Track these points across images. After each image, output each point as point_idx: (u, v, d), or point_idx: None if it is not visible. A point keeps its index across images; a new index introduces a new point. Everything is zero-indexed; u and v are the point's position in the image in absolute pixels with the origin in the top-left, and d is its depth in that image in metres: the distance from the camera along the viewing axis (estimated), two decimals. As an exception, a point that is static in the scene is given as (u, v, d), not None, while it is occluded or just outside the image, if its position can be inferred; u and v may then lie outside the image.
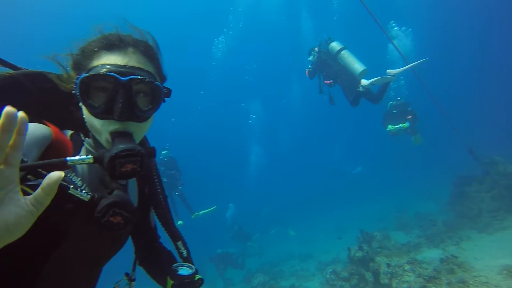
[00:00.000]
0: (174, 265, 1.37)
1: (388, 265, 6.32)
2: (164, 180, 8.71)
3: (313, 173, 25.57)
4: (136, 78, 0.93)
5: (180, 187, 9.10)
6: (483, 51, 27.54)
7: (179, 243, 1.39)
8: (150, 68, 1.02)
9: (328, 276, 7.37)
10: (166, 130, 21.69)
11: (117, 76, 0.91)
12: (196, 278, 1.34)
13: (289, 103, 27.18)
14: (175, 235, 1.39)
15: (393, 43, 5.58)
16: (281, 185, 26.82)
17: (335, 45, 5.66)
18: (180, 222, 9.17)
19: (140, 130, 1.01)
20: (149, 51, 1.04)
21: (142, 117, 0.98)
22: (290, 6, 22.33)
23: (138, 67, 0.97)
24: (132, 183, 1.29)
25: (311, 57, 6.14)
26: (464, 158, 10.46)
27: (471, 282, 5.66)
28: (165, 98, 1.08)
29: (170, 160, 9.19)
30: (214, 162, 30.94)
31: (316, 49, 6.02)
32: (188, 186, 10.21)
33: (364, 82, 5.45)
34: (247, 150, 25.63)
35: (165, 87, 1.07)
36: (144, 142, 1.29)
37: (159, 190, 1.35)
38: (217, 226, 14.96)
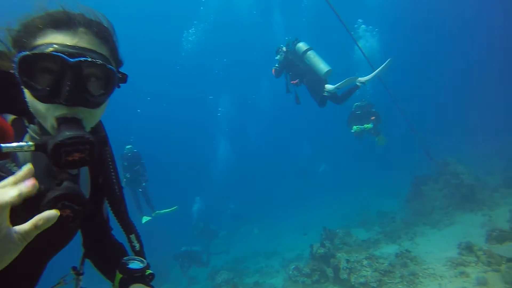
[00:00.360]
0: (125, 258, 1.31)
1: (348, 260, 6.59)
2: (127, 175, 8.46)
3: (281, 170, 25.85)
4: (86, 60, 0.86)
5: (143, 184, 8.84)
6: (447, 54, 29.20)
7: (132, 236, 1.33)
8: (103, 51, 0.95)
9: (290, 272, 7.53)
10: (132, 121, 20.93)
11: (65, 57, 0.83)
12: (147, 273, 1.29)
13: (258, 99, 27.20)
14: (129, 228, 1.32)
15: (357, 45, 5.78)
16: (249, 181, 26.90)
17: (301, 46, 5.80)
18: (148, 218, 8.94)
19: (91, 117, 0.94)
20: (102, 33, 0.96)
21: (93, 103, 0.91)
22: (262, 0, 22.35)
23: (90, 49, 0.90)
24: (84, 172, 1.21)
25: (279, 56, 6.24)
26: (423, 158, 11.12)
27: (421, 274, 6.06)
28: (121, 84, 1.03)
29: (134, 155, 8.90)
30: (181, 154, 30.37)
31: (284, 48, 6.11)
32: (154, 179, 9.93)
33: (329, 87, 5.62)
34: (215, 143, 25.43)
35: (120, 72, 1.01)
36: (98, 129, 1.20)
37: (114, 180, 1.28)
38: (182, 222, 14.74)
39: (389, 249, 8.09)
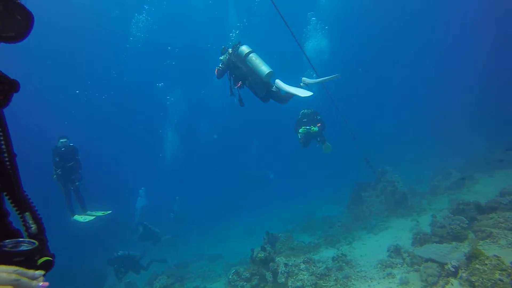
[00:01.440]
0: (7, 240, 0.98)
1: (286, 264, 6.62)
2: (58, 171, 7.70)
3: (229, 173, 25.41)
4: None
5: (77, 183, 8.08)
6: (390, 62, 30.80)
7: (27, 215, 1.06)
8: None
9: (230, 277, 7.38)
10: (68, 102, 19.18)
11: None
12: (41, 261, 1.01)
13: (210, 94, 26.05)
14: (22, 204, 1.06)
15: (302, 50, 5.88)
16: (196, 181, 26.13)
17: (244, 49, 5.84)
18: (89, 217, 8.09)
19: None
20: None
21: None
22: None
23: None
24: None
25: (223, 56, 6.20)
26: (364, 165, 11.68)
27: (354, 277, 6.30)
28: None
29: (68, 150, 8.06)
30: (126, 143, 28.72)
31: (230, 50, 6.08)
32: (96, 169, 9.14)
33: (279, 83, 5.66)
34: (162, 132, 24.23)
35: None
36: None
37: (2, 147, 1.04)
38: (125, 219, 13.87)
39: (328, 253, 8.34)
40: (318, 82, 6.03)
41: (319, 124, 9.29)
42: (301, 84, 5.90)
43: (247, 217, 17.10)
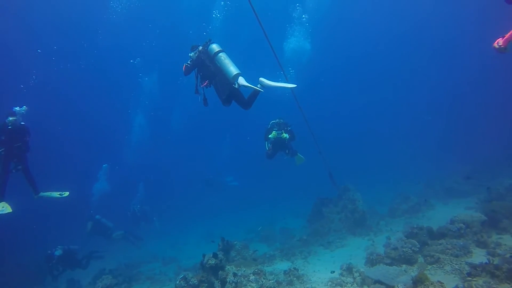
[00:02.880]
0: None
1: (235, 274, 6.37)
2: (1, 151, 6.99)
3: (194, 175, 24.63)
4: None
5: (19, 167, 7.36)
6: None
7: None
8: None
9: (177, 282, 7.00)
10: (27, 62, 17.67)
11: None
12: None
13: (186, 85, 25.09)
14: None
15: (273, 52, 5.77)
16: (160, 174, 25.35)
17: (214, 47, 5.68)
18: (6, 209, 7.27)
19: None
20: None
21: None
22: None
23: None
24: None
25: (192, 53, 6.01)
26: (328, 180, 11.69)
27: (302, 293, 6.16)
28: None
29: (17, 129, 7.32)
30: (90, 118, 26.90)
31: (201, 48, 5.89)
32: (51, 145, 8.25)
33: (241, 81, 5.51)
34: (131, 113, 22.98)
35: None
36: None
37: None
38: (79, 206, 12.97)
39: (282, 266, 8.18)
40: (274, 86, 5.85)
41: (289, 135, 9.25)
42: (258, 85, 5.76)
43: (208, 221, 16.66)
